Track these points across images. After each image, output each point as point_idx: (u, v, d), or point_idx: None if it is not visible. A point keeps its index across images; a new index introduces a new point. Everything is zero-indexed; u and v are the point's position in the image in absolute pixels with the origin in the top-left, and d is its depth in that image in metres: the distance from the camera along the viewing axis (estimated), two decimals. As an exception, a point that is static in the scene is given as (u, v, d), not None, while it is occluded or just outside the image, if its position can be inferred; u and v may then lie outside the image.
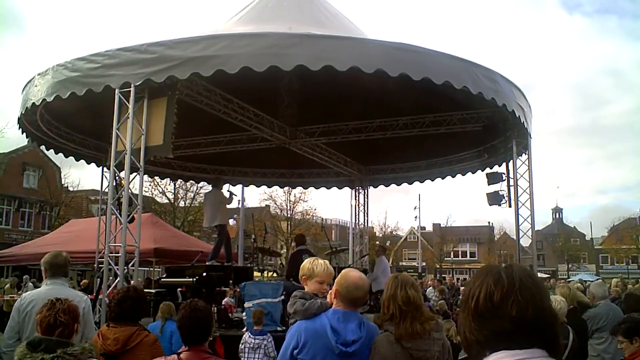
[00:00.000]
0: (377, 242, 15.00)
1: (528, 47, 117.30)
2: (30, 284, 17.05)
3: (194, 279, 9.29)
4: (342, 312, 3.40)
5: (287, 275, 9.86)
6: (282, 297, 8.13)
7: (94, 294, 9.48)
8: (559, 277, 53.19)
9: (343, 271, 3.58)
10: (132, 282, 7.53)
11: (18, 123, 9.94)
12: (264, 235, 12.45)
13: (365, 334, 3.37)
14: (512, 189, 10.41)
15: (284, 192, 45.12)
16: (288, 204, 48.01)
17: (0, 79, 69.89)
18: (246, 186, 16.98)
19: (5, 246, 22.35)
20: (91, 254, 11.76)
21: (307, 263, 3.73)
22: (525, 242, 10.53)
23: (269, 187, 17.93)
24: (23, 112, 9.23)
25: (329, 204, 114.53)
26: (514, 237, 10.98)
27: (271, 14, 9.48)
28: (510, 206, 10.48)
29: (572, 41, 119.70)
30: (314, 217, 52.63)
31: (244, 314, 8.52)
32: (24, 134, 10.49)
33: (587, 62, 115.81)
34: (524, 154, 10.48)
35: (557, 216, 76.00)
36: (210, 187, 13.64)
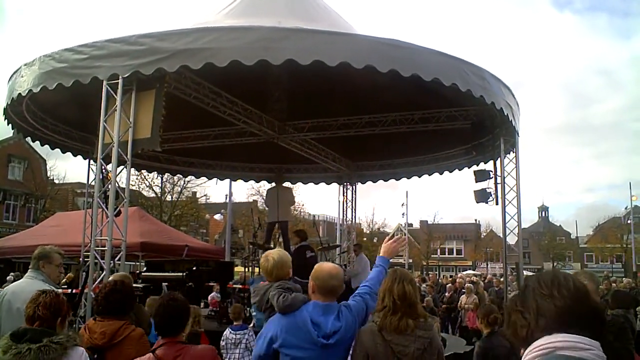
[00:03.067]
0: (354, 242, 14.90)
1: (518, 44, 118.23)
2: (11, 276, 16.88)
3: (184, 274, 9.24)
4: (322, 304, 3.47)
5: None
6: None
7: (80, 288, 9.41)
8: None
9: (316, 265, 3.66)
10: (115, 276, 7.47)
11: (3, 114, 9.81)
12: (256, 230, 12.46)
13: (344, 324, 3.43)
14: (499, 186, 10.47)
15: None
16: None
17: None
18: (234, 181, 16.94)
19: (-10, 239, 22.16)
20: (77, 248, 11.66)
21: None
22: (511, 239, 10.60)
23: (257, 182, 17.90)
24: (9, 103, 9.11)
25: (316, 199, 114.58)
26: (501, 235, 11.05)
27: (261, 7, 9.42)
28: (497, 204, 10.54)
29: (562, 39, 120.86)
30: (302, 213, 52.68)
31: (253, 309, 8.46)
32: (10, 125, 10.35)
33: (577, 60, 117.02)
34: (511, 152, 10.53)
35: (543, 214, 76.70)
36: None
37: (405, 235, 53.26)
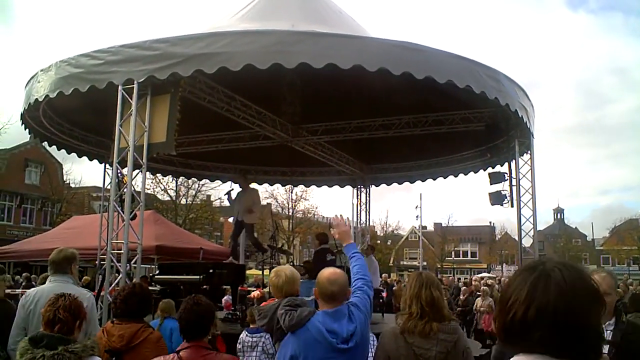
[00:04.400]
0: (367, 244, 14.80)
1: (531, 45, 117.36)
2: (22, 278, 17.06)
3: (201, 277, 9.26)
4: (330, 312, 3.41)
5: (311, 274, 9.78)
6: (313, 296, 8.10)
7: (96, 291, 9.49)
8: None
9: (319, 272, 3.60)
10: (134, 279, 7.54)
11: (21, 119, 9.94)
12: (274, 233, 12.44)
13: (357, 324, 3.39)
14: (514, 188, 10.40)
15: (286, 190, 45.18)
16: (290, 202, 48.04)
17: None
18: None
19: (7, 242, 22.40)
20: (93, 251, 11.74)
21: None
22: (527, 242, 10.52)
23: (271, 185, 17.92)
24: (26, 108, 9.23)
25: (330, 202, 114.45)
26: (516, 237, 10.98)
27: (274, 11, 9.47)
28: (512, 206, 10.48)
29: (576, 39, 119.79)
30: (315, 216, 52.70)
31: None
32: (27, 130, 10.48)
33: (591, 60, 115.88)
34: (526, 154, 10.46)
35: (559, 216, 75.99)
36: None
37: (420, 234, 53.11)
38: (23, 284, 16.21)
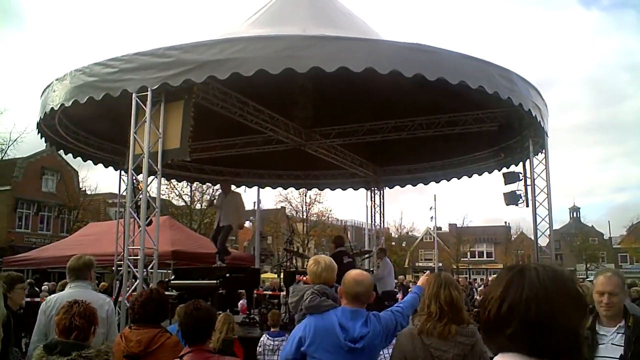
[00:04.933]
0: (379, 246, 14.75)
1: (544, 43, 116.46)
2: (46, 286, 17.24)
3: (218, 281, 9.31)
4: (350, 310, 3.51)
5: None
6: None
7: (114, 297, 9.57)
8: (578, 277, 52.61)
9: (346, 273, 3.70)
10: (151, 285, 7.60)
11: (37, 128, 10.06)
12: (291, 237, 12.47)
13: (371, 330, 3.45)
14: (529, 188, 10.34)
15: (300, 194, 45.32)
16: (304, 206, 48.15)
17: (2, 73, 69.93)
18: (262, 188, 17.02)
19: (25, 249, 22.68)
20: (110, 257, 11.86)
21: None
22: (542, 241, 10.46)
23: (285, 188, 18.05)
24: (42, 117, 9.35)
25: (344, 205, 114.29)
26: (531, 237, 10.90)
27: (285, 16, 9.51)
28: (527, 206, 10.40)
29: (589, 36, 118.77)
30: (330, 219, 52.72)
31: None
32: (43, 138, 10.62)
33: (604, 57, 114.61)
34: (540, 153, 10.41)
35: (575, 215, 75.31)
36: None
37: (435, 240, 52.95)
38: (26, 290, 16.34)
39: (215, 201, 11.81)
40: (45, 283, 19.13)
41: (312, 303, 3.54)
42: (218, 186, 15.19)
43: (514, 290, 1.39)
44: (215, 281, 9.39)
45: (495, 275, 1.54)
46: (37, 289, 15.76)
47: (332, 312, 3.51)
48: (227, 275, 9.41)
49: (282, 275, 11.67)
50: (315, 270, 3.88)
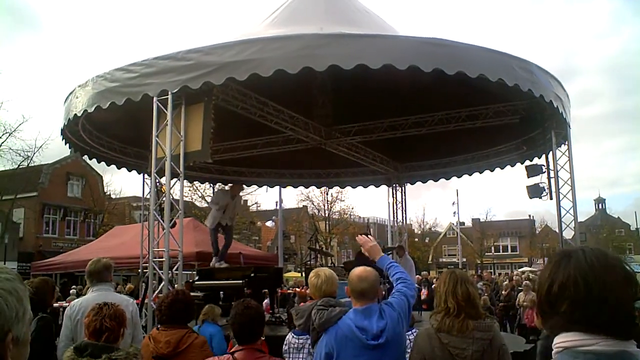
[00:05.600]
0: (399, 244, 14.70)
1: (564, 32, 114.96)
2: (74, 290, 17.53)
3: (244, 281, 9.38)
4: (361, 309, 3.50)
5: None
6: None
7: (140, 299, 9.69)
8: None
9: (351, 271, 3.71)
10: (176, 286, 7.68)
11: (61, 134, 10.22)
12: (316, 235, 12.53)
13: (388, 321, 3.45)
14: (552, 180, 10.22)
15: (321, 192, 45.29)
16: (325, 204, 48.15)
17: (15, 76, 70.95)
18: (284, 187, 17.10)
19: (53, 254, 23.04)
20: (135, 259, 12.02)
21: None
22: (568, 234, 10.33)
23: (306, 187, 18.05)
24: (65, 124, 9.49)
25: (366, 202, 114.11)
26: (556, 230, 10.78)
27: (302, 15, 9.53)
28: (551, 198, 10.29)
29: (610, 23, 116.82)
30: (352, 216, 52.67)
31: None
32: (67, 144, 10.78)
33: (626, 44, 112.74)
34: (563, 145, 10.28)
35: (600, 207, 74.28)
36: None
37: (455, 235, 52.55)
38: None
39: (219, 201, 11.70)
40: (73, 287, 19.47)
41: (322, 319, 3.53)
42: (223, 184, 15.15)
43: (561, 272, 1.47)
44: (240, 281, 9.45)
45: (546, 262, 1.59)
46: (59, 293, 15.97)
47: (344, 318, 3.50)
48: (252, 275, 9.47)
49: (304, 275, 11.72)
50: (316, 283, 3.90)
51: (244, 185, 16.76)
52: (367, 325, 3.40)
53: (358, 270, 3.64)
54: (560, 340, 1.46)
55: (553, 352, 1.48)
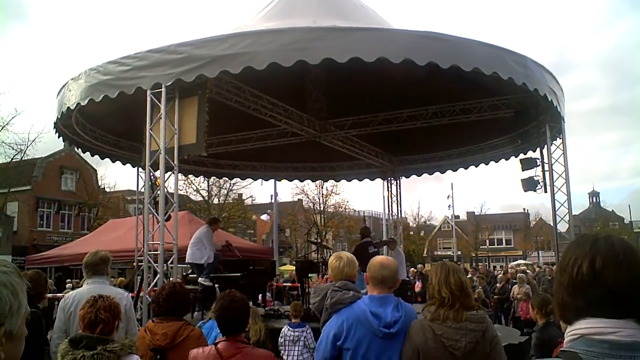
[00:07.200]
0: (390, 237, 14.77)
1: (559, 26, 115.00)
2: (70, 283, 17.52)
3: (242, 274, 9.41)
4: (377, 296, 3.50)
5: None
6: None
7: (135, 292, 9.69)
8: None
9: (371, 260, 3.72)
10: (171, 279, 7.68)
11: (54, 127, 10.18)
12: (313, 229, 12.58)
13: (403, 313, 3.45)
14: (547, 174, 10.25)
15: (316, 186, 45.35)
16: (320, 198, 48.22)
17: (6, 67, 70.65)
18: (278, 181, 17.12)
19: (47, 248, 22.99)
20: (130, 253, 12.01)
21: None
22: (562, 227, 10.40)
23: (301, 181, 18.04)
24: (59, 117, 9.45)
25: (361, 195, 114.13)
26: (551, 223, 10.83)
27: (296, 8, 9.50)
28: (545, 192, 10.33)
29: (605, 17, 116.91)
30: (347, 210, 52.75)
31: None
32: (61, 137, 10.75)
33: (621, 39, 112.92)
34: (558, 138, 10.32)
35: (594, 200, 74.56)
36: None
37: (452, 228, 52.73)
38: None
39: (210, 238, 10.76)
40: (69, 280, 19.46)
41: (334, 299, 3.56)
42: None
43: (590, 257, 1.42)
44: (238, 274, 9.51)
45: (569, 244, 1.54)
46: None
47: (359, 302, 3.51)
48: (250, 267, 9.52)
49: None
50: (338, 266, 3.90)
51: (239, 179, 16.74)
52: (381, 313, 3.40)
53: (380, 258, 3.71)
54: (577, 327, 1.41)
55: (566, 340, 1.44)
